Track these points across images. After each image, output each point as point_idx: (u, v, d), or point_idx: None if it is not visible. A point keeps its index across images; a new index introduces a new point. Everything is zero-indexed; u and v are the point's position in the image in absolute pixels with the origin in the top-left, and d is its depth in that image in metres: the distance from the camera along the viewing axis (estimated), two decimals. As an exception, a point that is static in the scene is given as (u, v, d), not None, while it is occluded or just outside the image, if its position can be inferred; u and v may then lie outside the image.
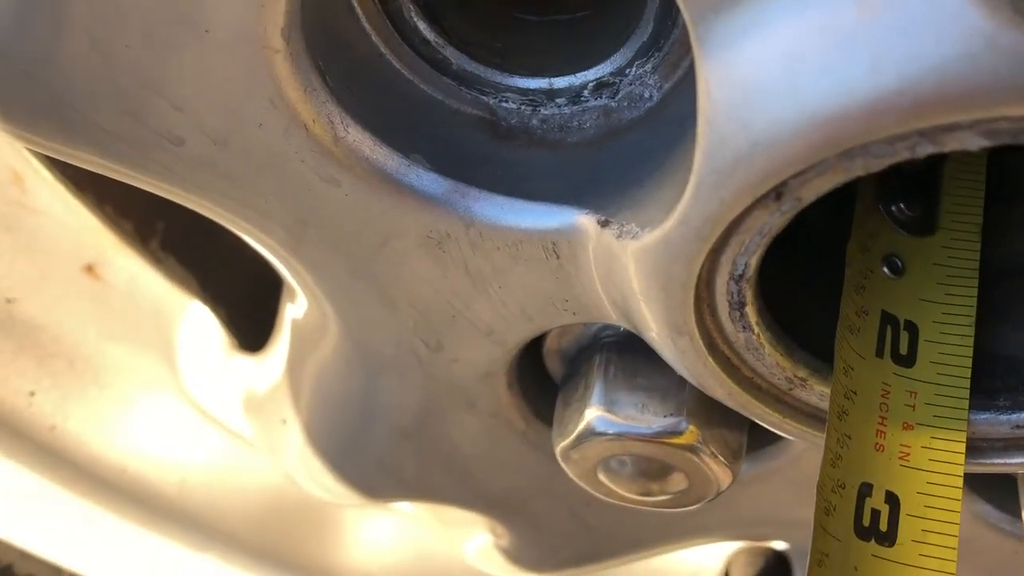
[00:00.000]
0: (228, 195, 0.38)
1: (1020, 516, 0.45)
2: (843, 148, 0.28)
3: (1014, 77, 0.25)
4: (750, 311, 0.35)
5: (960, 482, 0.36)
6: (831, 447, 0.36)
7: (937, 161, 0.43)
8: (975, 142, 0.27)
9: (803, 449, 0.48)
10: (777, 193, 0.30)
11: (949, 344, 0.39)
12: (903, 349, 0.38)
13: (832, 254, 0.39)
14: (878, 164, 0.28)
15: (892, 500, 0.36)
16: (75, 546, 0.68)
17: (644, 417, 0.42)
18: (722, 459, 0.43)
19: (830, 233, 0.40)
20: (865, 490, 0.36)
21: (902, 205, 0.42)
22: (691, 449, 0.42)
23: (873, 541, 0.35)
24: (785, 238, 0.33)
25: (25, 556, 0.68)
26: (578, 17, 0.40)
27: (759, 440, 0.48)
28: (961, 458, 0.37)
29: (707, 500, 0.45)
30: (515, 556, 0.61)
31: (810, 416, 0.39)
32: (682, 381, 0.41)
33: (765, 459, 0.49)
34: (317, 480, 0.58)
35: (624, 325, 0.41)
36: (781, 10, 0.27)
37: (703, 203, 0.30)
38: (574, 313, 0.41)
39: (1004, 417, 0.38)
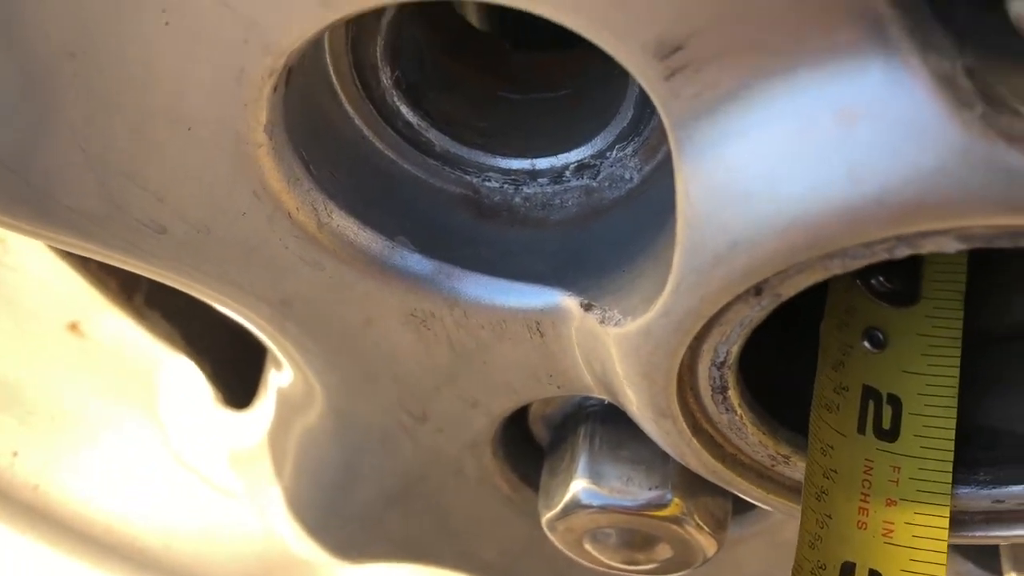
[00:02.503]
0: (212, 278, 0.38)
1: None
2: (822, 252, 0.28)
3: (986, 188, 0.25)
4: (732, 394, 0.35)
5: (944, 557, 0.37)
6: (809, 529, 0.36)
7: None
8: (951, 245, 0.28)
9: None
10: (757, 289, 0.30)
11: (933, 416, 0.39)
12: (886, 423, 0.39)
13: (815, 331, 0.40)
14: (857, 264, 0.29)
15: None
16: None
17: (629, 490, 0.42)
18: (707, 529, 0.43)
19: (812, 310, 0.40)
20: (847, 569, 0.36)
21: (881, 278, 0.42)
22: (676, 521, 0.42)
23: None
24: (766, 319, 0.34)
25: (11, 615, 0.67)
26: (561, 96, 0.40)
27: (743, 503, 0.48)
28: (945, 533, 0.37)
29: (693, 568, 0.45)
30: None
31: (794, 491, 0.39)
32: (667, 456, 0.42)
33: (749, 523, 0.50)
34: (303, 541, 0.58)
35: (608, 399, 0.41)
36: (761, 117, 0.27)
37: (683, 298, 0.31)
38: (558, 387, 0.41)
39: (984, 492, 0.38)
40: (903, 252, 0.28)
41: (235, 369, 0.66)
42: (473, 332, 0.40)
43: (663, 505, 0.42)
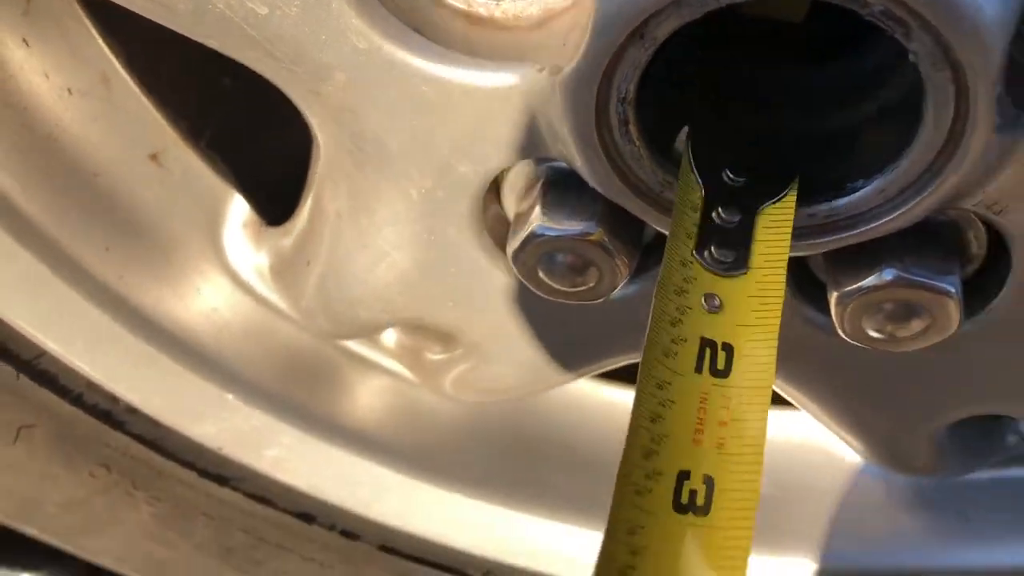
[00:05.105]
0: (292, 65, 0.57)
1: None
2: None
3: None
4: (632, 129, 0.54)
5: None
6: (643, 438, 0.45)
7: (749, 220, 0.55)
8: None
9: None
10: (641, 34, 0.49)
11: (759, 354, 0.49)
12: (720, 365, 0.48)
13: (696, 99, 0.58)
14: (698, 12, 0.48)
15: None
16: (131, 379, 0.86)
17: (570, 223, 0.61)
18: (623, 256, 0.61)
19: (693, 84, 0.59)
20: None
21: (715, 254, 0.54)
22: (600, 246, 0.61)
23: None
24: (661, 88, 0.52)
25: (92, 386, 0.85)
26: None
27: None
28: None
29: (615, 289, 0.63)
30: (484, 376, 0.79)
31: (674, 212, 0.58)
32: (595, 201, 0.60)
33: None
34: (331, 311, 0.76)
35: (558, 157, 0.60)
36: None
37: (596, 43, 0.50)
38: (525, 148, 0.60)
39: (802, 210, 0.56)
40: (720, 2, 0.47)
41: (277, 202, 0.84)
42: (469, 108, 0.58)
43: (591, 232, 0.60)
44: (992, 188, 0.54)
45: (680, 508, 0.43)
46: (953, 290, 0.58)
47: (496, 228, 0.68)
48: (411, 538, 0.94)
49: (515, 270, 0.64)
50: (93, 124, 0.79)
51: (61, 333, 0.81)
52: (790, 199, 0.54)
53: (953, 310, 0.58)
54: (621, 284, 0.63)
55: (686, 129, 0.56)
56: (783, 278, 0.52)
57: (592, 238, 0.61)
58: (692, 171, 0.55)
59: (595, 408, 0.93)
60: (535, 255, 0.63)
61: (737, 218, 0.53)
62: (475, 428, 0.93)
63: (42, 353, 0.82)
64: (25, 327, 0.80)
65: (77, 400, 0.86)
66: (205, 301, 0.86)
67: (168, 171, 0.83)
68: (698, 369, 0.47)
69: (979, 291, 0.63)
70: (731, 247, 0.53)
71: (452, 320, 0.73)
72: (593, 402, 0.93)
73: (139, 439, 0.89)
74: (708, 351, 0.48)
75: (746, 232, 0.53)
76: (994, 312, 0.62)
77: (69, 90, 0.77)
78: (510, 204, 0.67)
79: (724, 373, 0.47)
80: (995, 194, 0.54)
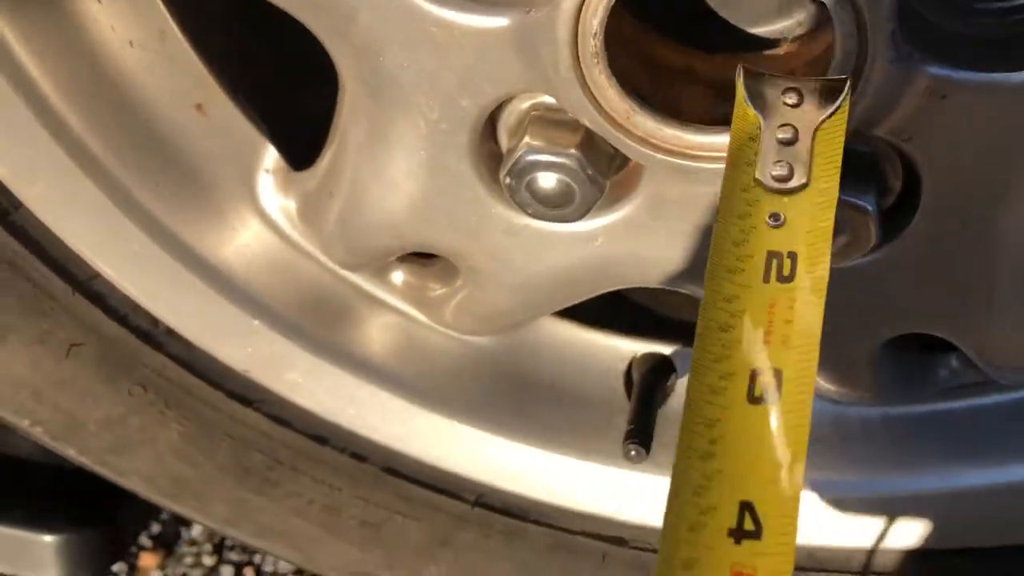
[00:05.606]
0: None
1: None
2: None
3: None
4: (600, 60, 0.66)
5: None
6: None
7: (807, 138, 0.59)
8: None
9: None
10: (605, -26, 0.61)
11: (820, 256, 0.53)
12: (786, 272, 0.52)
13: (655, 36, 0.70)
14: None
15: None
16: (171, 303, 0.97)
17: (553, 148, 0.73)
18: (599, 176, 0.73)
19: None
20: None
21: (776, 176, 0.56)
22: (579, 164, 0.72)
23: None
24: (627, 27, 0.64)
25: (137, 308, 0.97)
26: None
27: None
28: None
29: (590, 208, 0.75)
30: (479, 302, 0.91)
31: (638, 139, 0.70)
32: (576, 131, 0.72)
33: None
34: (349, 238, 0.88)
35: (546, 93, 0.71)
36: None
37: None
38: (516, 82, 0.72)
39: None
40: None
41: (304, 151, 0.96)
42: (469, 45, 0.70)
43: (569, 155, 0.72)
44: (897, 117, 0.65)
45: (753, 400, 0.46)
46: (871, 208, 0.69)
47: (491, 163, 0.80)
48: (412, 461, 1.05)
49: (505, 192, 0.76)
50: (149, 74, 0.91)
51: (113, 257, 0.93)
52: (843, 109, 0.58)
53: (871, 226, 0.70)
54: (598, 201, 0.75)
55: (739, 66, 0.60)
56: (838, 181, 0.54)
57: (570, 163, 0.73)
58: (747, 103, 0.58)
59: (578, 348, 1.04)
60: (524, 178, 0.74)
61: (796, 138, 0.57)
62: (472, 363, 1.05)
63: (96, 275, 0.94)
64: (83, 249, 0.92)
65: (123, 320, 0.97)
66: (239, 237, 0.98)
67: (211, 120, 0.95)
68: (766, 279, 0.51)
69: (898, 218, 0.74)
70: (792, 166, 0.55)
71: (453, 245, 0.85)
72: (577, 342, 1.04)
73: (175, 359, 1.00)
74: (775, 262, 0.51)
75: (806, 149, 0.56)
76: (910, 236, 0.74)
77: (131, 42, 0.90)
78: (504, 140, 0.79)
79: (789, 278, 0.51)
80: (900, 123, 0.66)
